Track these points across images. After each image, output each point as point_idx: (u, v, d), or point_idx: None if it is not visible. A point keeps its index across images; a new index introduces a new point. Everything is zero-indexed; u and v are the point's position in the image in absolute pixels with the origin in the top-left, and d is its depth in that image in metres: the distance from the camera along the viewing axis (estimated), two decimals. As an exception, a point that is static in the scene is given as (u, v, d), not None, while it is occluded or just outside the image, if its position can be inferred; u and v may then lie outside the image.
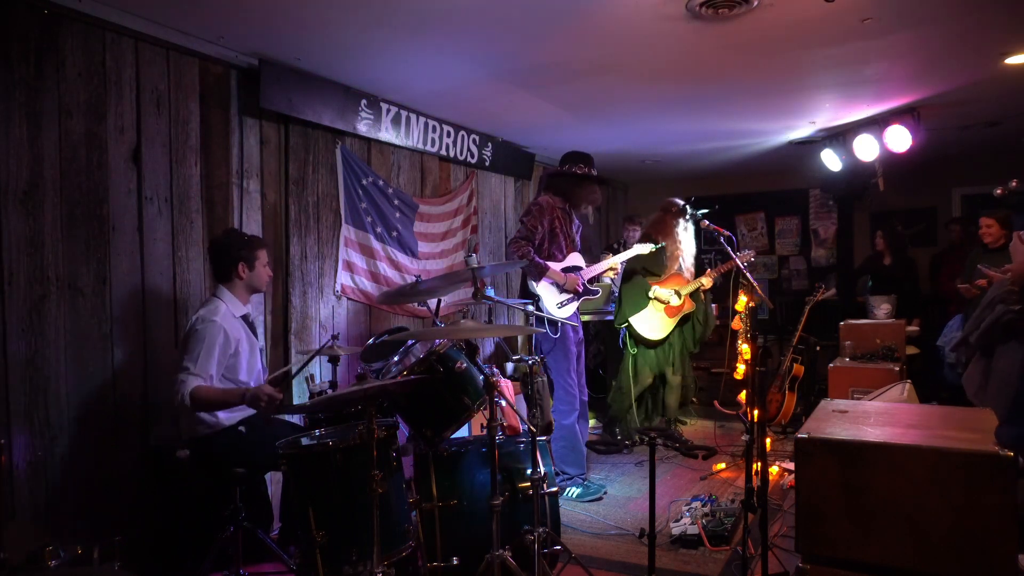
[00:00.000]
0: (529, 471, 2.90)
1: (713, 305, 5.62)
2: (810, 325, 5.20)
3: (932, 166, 7.24)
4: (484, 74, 4.21)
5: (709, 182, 8.67)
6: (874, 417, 2.54)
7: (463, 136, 5.53)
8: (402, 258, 4.99)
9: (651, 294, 5.19)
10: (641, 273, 5.27)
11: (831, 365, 5.08)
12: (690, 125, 5.76)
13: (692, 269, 5.28)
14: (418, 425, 2.84)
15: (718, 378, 5.58)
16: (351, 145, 4.58)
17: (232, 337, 2.97)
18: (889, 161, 5.66)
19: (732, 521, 3.59)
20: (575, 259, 4.47)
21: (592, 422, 5.70)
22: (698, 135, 6.20)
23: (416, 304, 4.85)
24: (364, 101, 4.44)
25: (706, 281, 5.22)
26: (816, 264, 8.39)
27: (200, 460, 2.96)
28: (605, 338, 6.22)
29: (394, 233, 4.92)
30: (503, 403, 3.09)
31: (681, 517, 3.67)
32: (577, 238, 4.57)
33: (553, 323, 4.26)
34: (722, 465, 4.76)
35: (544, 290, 4.31)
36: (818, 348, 5.82)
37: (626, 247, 5.24)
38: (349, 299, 4.58)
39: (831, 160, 6.07)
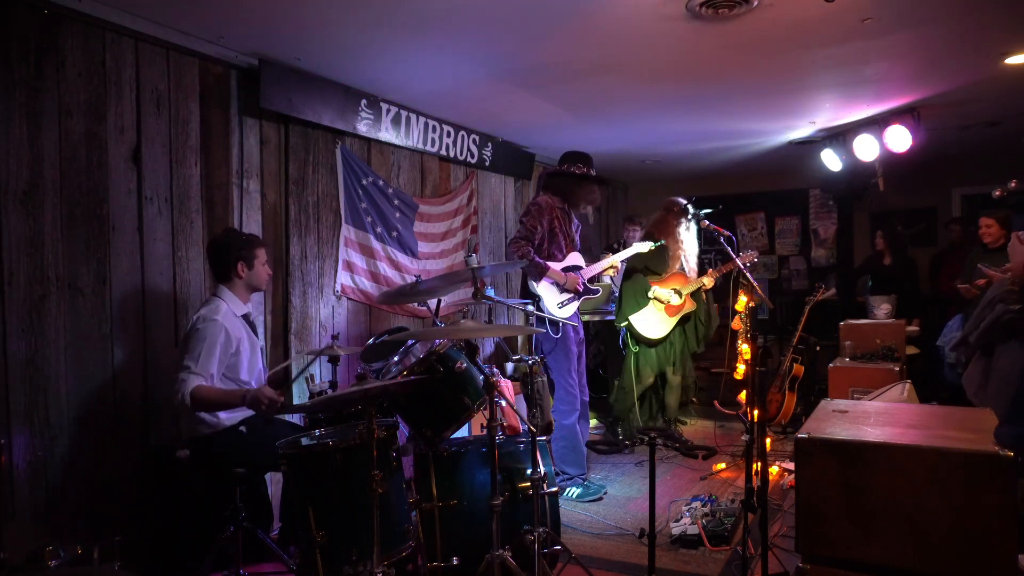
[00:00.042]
0: (529, 471, 2.90)
1: (714, 305, 5.62)
2: (810, 325, 5.20)
3: (932, 166, 7.24)
4: (484, 74, 4.21)
5: (709, 182, 8.67)
6: (874, 417, 2.53)
7: (463, 136, 5.53)
8: (402, 258, 4.99)
9: (651, 294, 5.19)
10: (643, 272, 5.27)
11: (831, 365, 5.08)
12: (690, 125, 5.76)
13: (695, 269, 5.28)
14: (418, 425, 2.84)
15: (718, 378, 5.58)
16: (351, 145, 4.58)
17: (233, 336, 2.97)
18: (889, 161, 5.66)
19: (732, 521, 3.59)
20: (575, 259, 4.47)
21: (593, 422, 5.70)
22: (698, 135, 6.20)
23: (416, 304, 4.85)
24: (364, 101, 4.44)
25: (707, 281, 5.22)
26: (816, 264, 8.39)
27: (200, 460, 2.96)
28: (605, 338, 6.23)
29: (394, 233, 4.92)
30: (503, 403, 3.10)
31: (681, 517, 3.67)
32: (577, 238, 4.56)
33: (554, 323, 4.26)
34: (722, 465, 4.76)
35: (545, 290, 4.31)
36: (818, 348, 5.82)
37: (626, 247, 5.24)
38: (349, 299, 4.58)
39: (831, 160, 6.07)
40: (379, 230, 4.79)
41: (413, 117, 4.92)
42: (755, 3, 3.19)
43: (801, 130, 6.04)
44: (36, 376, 2.90)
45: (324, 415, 3.35)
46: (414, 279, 3.46)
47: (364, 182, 4.65)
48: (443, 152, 5.36)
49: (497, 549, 2.56)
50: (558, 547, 3.04)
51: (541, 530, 2.81)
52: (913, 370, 5.25)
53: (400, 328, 4.67)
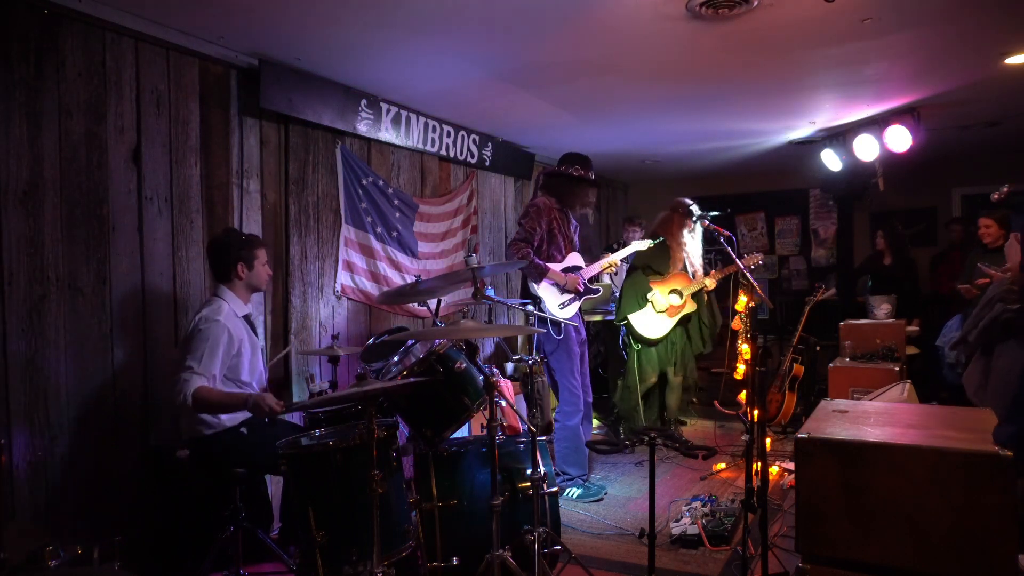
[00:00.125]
0: (529, 471, 2.90)
1: (716, 305, 5.62)
2: (810, 325, 5.20)
3: (932, 166, 7.24)
4: (484, 74, 4.21)
5: (709, 182, 8.67)
6: (874, 417, 2.53)
7: (463, 136, 5.53)
8: (402, 258, 4.99)
9: (650, 294, 5.19)
10: (644, 271, 5.27)
11: (831, 365, 5.08)
12: (690, 125, 5.76)
13: (699, 270, 5.27)
14: (418, 425, 2.84)
15: (718, 378, 5.58)
16: (351, 145, 4.58)
17: (235, 337, 2.97)
18: (889, 161, 5.66)
19: (732, 521, 3.59)
20: (574, 259, 4.47)
21: (595, 423, 5.70)
22: (698, 135, 6.20)
23: (416, 304, 4.85)
24: (364, 101, 4.45)
25: (709, 282, 5.22)
26: (816, 264, 8.40)
27: (200, 460, 2.96)
28: (605, 338, 6.23)
29: (394, 233, 4.92)
30: (503, 403, 3.10)
31: (681, 517, 3.68)
32: (575, 238, 4.56)
33: (556, 324, 4.26)
34: (722, 465, 4.76)
35: (545, 291, 4.31)
36: (818, 348, 5.82)
37: (626, 247, 5.24)
38: (349, 299, 4.58)
39: (831, 160, 6.07)
40: (379, 230, 4.79)
41: (413, 117, 4.92)
42: (755, 3, 3.19)
43: (801, 130, 6.04)
44: (36, 376, 2.90)
45: (324, 415, 3.35)
46: (414, 279, 3.46)
47: (364, 182, 4.65)
48: (443, 152, 5.36)
49: (497, 549, 2.56)
50: (558, 547, 3.04)
51: (541, 530, 2.81)
52: (913, 370, 5.25)
53: (400, 328, 4.67)
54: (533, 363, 3.24)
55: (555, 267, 4.32)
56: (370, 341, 4.14)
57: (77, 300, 3.04)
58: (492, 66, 4.07)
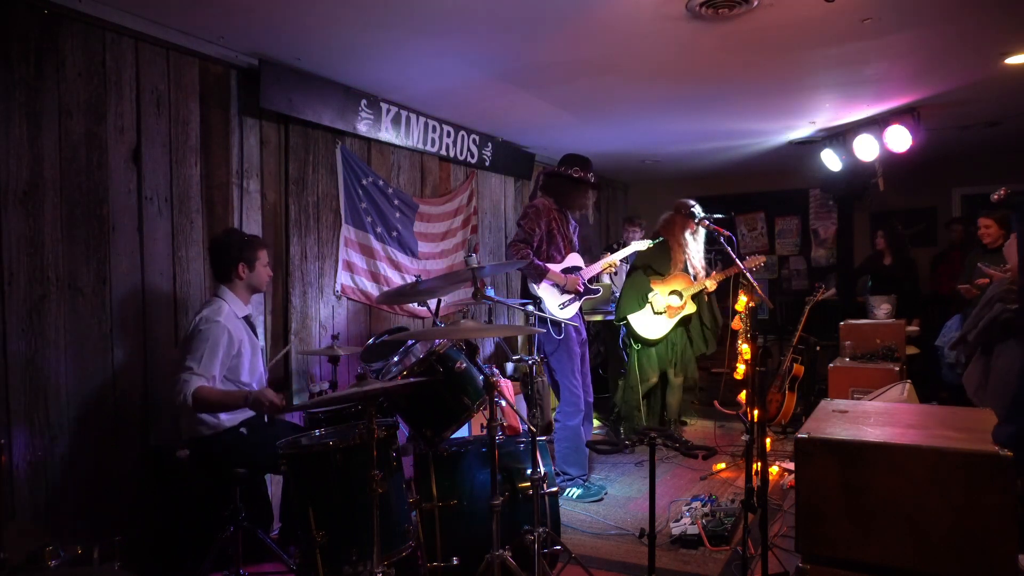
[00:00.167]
0: (529, 471, 2.90)
1: (717, 306, 5.62)
2: (810, 325, 5.20)
3: (932, 166, 7.24)
4: (484, 74, 4.21)
5: (709, 182, 8.67)
6: (874, 417, 2.53)
7: (463, 136, 5.53)
8: (402, 258, 4.99)
9: (651, 294, 5.19)
10: (645, 272, 5.27)
11: (831, 365, 5.08)
12: (690, 125, 5.76)
13: (700, 272, 5.27)
14: (418, 425, 2.84)
15: (718, 378, 5.58)
16: (351, 145, 4.58)
17: (235, 338, 2.97)
18: (889, 161, 5.66)
19: (732, 521, 3.59)
20: (574, 259, 4.47)
21: (595, 423, 5.70)
22: (698, 135, 6.20)
23: (416, 304, 4.85)
24: (364, 101, 4.45)
25: (710, 284, 5.21)
26: (816, 264, 8.40)
27: (200, 460, 2.96)
28: (605, 338, 6.23)
29: (394, 233, 4.92)
30: (503, 403, 3.10)
31: (681, 517, 3.68)
32: (575, 238, 4.56)
33: (556, 324, 4.26)
34: (722, 465, 4.76)
35: (545, 292, 4.31)
36: (818, 348, 5.82)
37: (626, 247, 5.25)
38: (349, 299, 4.58)
39: (831, 160, 6.07)
40: (379, 230, 4.79)
41: (413, 117, 4.92)
42: (755, 3, 3.19)
43: (801, 130, 6.04)
44: (36, 376, 2.90)
45: (324, 415, 3.35)
46: (414, 279, 3.46)
47: (364, 182, 4.65)
48: (443, 152, 5.36)
49: (497, 549, 2.56)
50: (558, 547, 3.04)
51: (541, 530, 2.81)
52: (913, 370, 5.25)
53: (400, 328, 4.67)
54: (533, 363, 3.24)
55: (555, 267, 4.32)
56: (370, 341, 4.14)
57: (77, 300, 3.05)
58: (492, 66, 4.07)
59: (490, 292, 3.21)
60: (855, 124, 5.65)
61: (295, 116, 4.03)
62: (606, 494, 4.32)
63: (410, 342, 3.45)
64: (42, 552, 2.19)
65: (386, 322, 4.93)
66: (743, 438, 4.61)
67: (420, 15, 3.27)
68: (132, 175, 3.28)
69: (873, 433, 2.27)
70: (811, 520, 2.22)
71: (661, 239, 5.29)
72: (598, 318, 5.92)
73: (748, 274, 3.24)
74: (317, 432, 2.79)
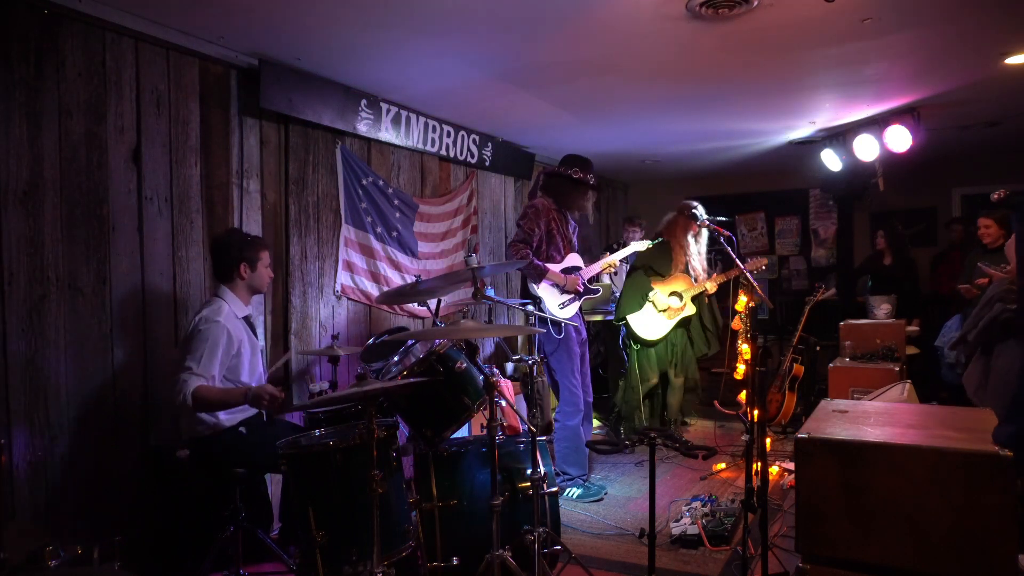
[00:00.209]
0: (529, 471, 2.90)
1: (714, 298, 5.62)
2: (810, 325, 5.20)
3: (932, 166, 7.24)
4: (484, 74, 4.21)
5: (709, 182, 8.67)
6: (874, 417, 2.54)
7: (463, 136, 5.53)
8: (402, 258, 4.99)
9: (651, 295, 5.19)
10: (645, 272, 5.27)
11: (831, 365, 5.08)
12: (690, 125, 5.76)
13: (701, 274, 5.27)
14: (418, 425, 2.84)
15: (718, 378, 5.58)
16: (351, 145, 4.58)
17: (235, 338, 2.97)
18: (889, 161, 5.66)
19: (732, 521, 3.59)
20: (573, 259, 4.47)
21: (595, 423, 5.70)
22: (698, 135, 6.20)
23: (416, 304, 4.85)
24: (364, 101, 4.45)
25: (710, 286, 5.21)
26: (816, 264, 8.40)
27: (200, 460, 2.96)
28: (605, 338, 6.23)
29: (394, 233, 4.92)
30: (503, 403, 3.10)
31: (681, 517, 3.68)
32: (574, 238, 4.56)
33: (556, 324, 4.26)
34: (722, 465, 4.76)
35: (545, 292, 4.31)
36: (818, 348, 5.82)
37: (626, 247, 5.25)
38: (349, 299, 4.58)
39: (831, 160, 6.07)
40: (379, 230, 4.79)
41: (413, 117, 4.92)
42: (755, 3, 3.19)
43: (801, 130, 6.04)
44: (36, 376, 2.90)
45: (324, 415, 3.35)
46: (414, 279, 3.46)
47: (364, 182, 4.65)
48: (443, 152, 5.36)
49: (497, 549, 2.56)
50: (558, 547, 3.04)
51: (541, 530, 2.81)
52: (913, 370, 5.25)
53: (400, 328, 4.67)
54: (533, 363, 3.24)
55: (554, 267, 4.32)
56: (370, 341, 4.14)
57: (77, 300, 3.05)
58: (492, 66, 4.07)
59: (490, 292, 3.21)
60: (855, 124, 5.65)
61: (295, 116, 4.03)
62: (606, 494, 4.32)
63: (410, 342, 3.45)
64: (42, 552, 2.19)
65: (386, 322, 4.93)
66: (743, 438, 4.61)
67: (420, 15, 3.27)
68: (132, 175, 3.28)
69: (873, 433, 2.27)
70: (811, 520, 2.22)
71: (661, 239, 5.29)
72: (598, 318, 5.92)
73: (748, 274, 3.24)
74: (317, 432, 2.79)
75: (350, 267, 4.56)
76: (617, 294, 5.58)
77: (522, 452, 3.10)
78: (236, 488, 2.94)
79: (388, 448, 2.51)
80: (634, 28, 3.49)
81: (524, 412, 3.15)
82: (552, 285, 4.33)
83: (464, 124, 5.50)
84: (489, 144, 5.88)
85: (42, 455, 2.91)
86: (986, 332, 3.81)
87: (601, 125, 5.65)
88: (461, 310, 5.61)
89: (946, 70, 4.37)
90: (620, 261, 5.16)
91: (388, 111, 4.67)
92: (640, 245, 5.28)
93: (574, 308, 4.43)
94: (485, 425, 2.64)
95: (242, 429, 2.99)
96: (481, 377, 2.78)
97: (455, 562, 2.74)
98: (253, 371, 3.11)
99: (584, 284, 4.44)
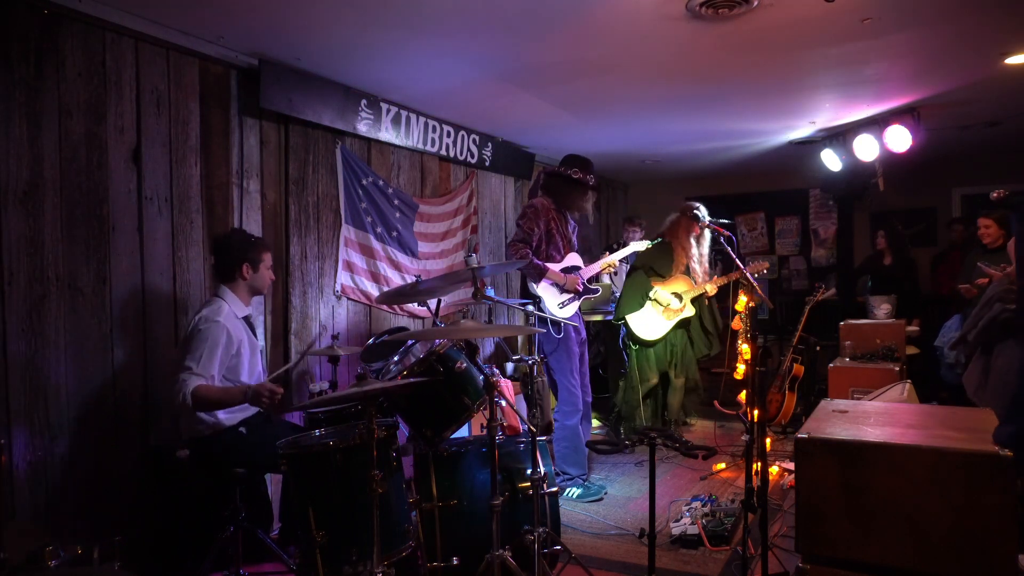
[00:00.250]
0: (529, 471, 2.90)
1: (714, 300, 5.62)
2: (810, 325, 5.20)
3: (932, 166, 7.24)
4: (484, 74, 4.21)
5: (709, 182, 8.68)
6: (874, 417, 2.54)
7: (463, 136, 5.53)
8: (402, 258, 4.99)
9: (652, 294, 5.19)
10: (646, 272, 5.27)
11: (831, 365, 5.08)
12: (690, 125, 5.76)
13: (703, 275, 5.27)
14: (418, 425, 2.84)
15: (718, 378, 5.59)
16: (351, 145, 4.58)
17: (235, 338, 2.97)
18: (889, 161, 5.66)
19: (732, 521, 3.59)
20: (573, 259, 4.47)
21: (595, 423, 5.70)
22: (698, 135, 6.20)
23: (416, 304, 4.85)
24: (364, 101, 4.45)
25: (710, 288, 5.21)
26: (816, 264, 8.40)
27: (200, 460, 2.96)
28: (606, 338, 6.23)
29: (394, 233, 4.92)
30: (503, 403, 3.10)
31: (681, 517, 3.68)
32: (574, 238, 4.56)
33: (556, 324, 4.26)
34: (722, 465, 4.76)
35: (545, 291, 4.31)
36: (818, 348, 5.82)
37: (626, 247, 5.25)
38: (349, 299, 4.58)
39: (831, 160, 6.07)
40: (379, 230, 4.79)
41: (413, 117, 4.92)
42: (755, 3, 3.19)
43: (801, 130, 6.04)
44: (36, 376, 2.90)
45: (324, 415, 3.35)
46: (414, 279, 3.46)
47: (364, 182, 4.65)
48: (443, 152, 5.36)
49: (497, 549, 2.56)
50: (558, 547, 3.04)
51: (541, 530, 2.81)
52: (913, 370, 5.25)
53: (400, 328, 4.67)
54: (533, 363, 3.24)
55: (554, 267, 4.32)
56: (370, 341, 4.14)
57: (77, 300, 3.05)
58: (492, 66, 4.07)
59: (490, 292, 3.21)
60: (855, 124, 5.65)
61: (295, 116, 4.03)
62: (606, 494, 4.32)
63: (410, 342, 3.45)
64: (42, 552, 2.19)
65: (386, 322, 4.93)
66: (743, 438, 4.61)
67: (421, 15, 3.27)
68: (132, 175, 3.28)
69: (873, 433, 2.27)
70: (811, 520, 2.22)
71: (660, 239, 5.29)
72: (598, 318, 5.92)
73: (748, 275, 3.24)
74: (317, 432, 2.79)
75: (350, 267, 4.56)
76: (617, 294, 5.58)
77: (522, 452, 3.10)
78: (236, 488, 2.94)
79: (388, 448, 2.51)
80: (634, 28, 3.49)
81: (524, 412, 3.15)
82: (551, 285, 4.33)
83: (464, 124, 5.50)
84: (489, 144, 5.88)
85: (42, 455, 2.91)
86: (986, 332, 3.82)
87: (601, 125, 5.66)
88: (461, 310, 5.61)
89: (946, 70, 4.37)
90: (620, 261, 5.16)
91: (388, 111, 4.67)
92: (640, 245, 5.28)
93: (573, 308, 4.43)
94: (485, 425, 2.64)
95: (242, 429, 2.99)
96: (481, 377, 2.78)
97: (455, 562, 2.74)
98: (252, 371, 3.11)
99: (583, 284, 4.44)
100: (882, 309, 5.77)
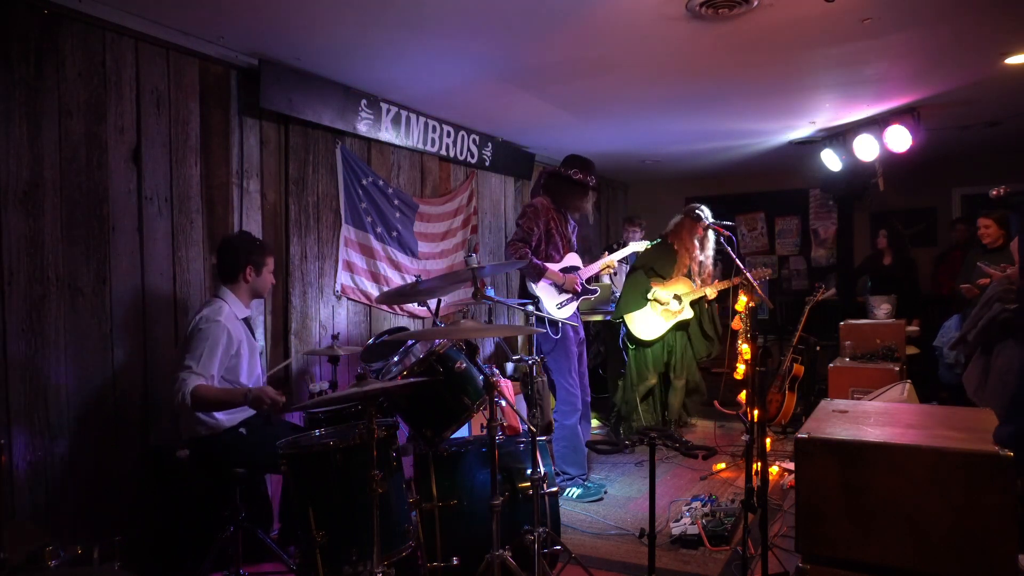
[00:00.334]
0: (529, 471, 2.90)
1: (714, 303, 5.63)
2: (810, 325, 5.20)
3: (932, 166, 7.25)
4: (484, 74, 4.21)
5: (709, 182, 8.68)
6: (874, 417, 2.54)
7: (463, 136, 5.53)
8: (402, 258, 4.99)
9: (650, 295, 5.19)
10: (647, 272, 5.27)
11: (831, 365, 5.08)
12: (690, 125, 5.76)
13: (707, 277, 5.26)
14: (418, 425, 2.84)
15: (718, 378, 5.59)
16: (351, 145, 4.58)
17: (235, 338, 2.97)
18: (889, 161, 5.66)
19: (732, 521, 3.59)
20: (572, 259, 4.47)
21: (594, 423, 5.70)
22: (698, 135, 6.20)
23: (416, 304, 4.85)
24: (364, 101, 4.45)
25: (710, 292, 5.21)
26: (816, 264, 8.40)
27: (200, 460, 2.96)
28: (605, 338, 6.23)
29: (394, 233, 4.92)
30: (503, 403, 3.10)
31: (681, 517, 3.68)
32: (573, 238, 4.56)
33: (554, 324, 4.26)
34: (722, 465, 4.76)
35: (543, 291, 4.31)
36: (818, 348, 5.82)
37: (625, 248, 5.25)
38: (349, 299, 4.58)
39: (831, 160, 6.07)
40: (379, 230, 4.79)
41: (413, 117, 4.92)
42: (755, 3, 3.19)
43: (801, 130, 6.05)
44: (36, 376, 2.90)
45: (324, 415, 3.35)
46: (414, 279, 3.46)
47: (364, 182, 4.65)
48: (443, 152, 5.36)
49: (497, 549, 2.56)
50: (558, 547, 3.04)
51: (541, 530, 2.81)
52: (913, 370, 5.25)
53: (400, 328, 4.67)
54: (533, 363, 3.24)
55: (553, 267, 4.32)
56: (370, 341, 4.14)
57: (77, 300, 3.05)
58: (492, 66, 4.07)
59: (490, 292, 3.21)
60: (855, 124, 5.65)
61: (295, 116, 4.03)
62: (606, 493, 4.32)
63: (410, 342, 3.45)
64: (42, 552, 2.19)
65: (386, 322, 4.93)
66: (743, 438, 4.61)
67: (421, 15, 3.28)
68: (132, 175, 3.28)
69: (873, 433, 2.27)
70: (811, 520, 2.22)
71: (659, 240, 5.29)
72: (598, 318, 5.92)
73: (748, 275, 3.24)
74: (317, 432, 2.79)
75: (350, 267, 4.56)
76: (617, 294, 5.57)
77: (522, 452, 3.10)
78: (236, 488, 2.94)
79: (388, 448, 2.51)
80: (634, 28, 3.49)
81: (524, 412, 3.15)
82: (550, 285, 4.33)
83: (464, 124, 5.50)
84: (489, 144, 5.88)
85: (42, 455, 2.91)
86: (985, 332, 3.82)
87: (601, 125, 5.66)
88: (461, 310, 5.61)
89: (946, 70, 4.37)
90: (619, 261, 5.15)
91: (388, 111, 4.67)
92: (639, 245, 5.28)
93: (572, 308, 4.43)
94: (485, 425, 2.64)
95: (242, 430, 2.99)
96: (481, 377, 2.78)
97: (455, 562, 2.74)
98: (251, 372, 3.11)
99: (582, 284, 4.44)
100: (882, 309, 5.77)
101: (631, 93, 4.74)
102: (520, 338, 6.05)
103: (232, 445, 2.95)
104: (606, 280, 6.14)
